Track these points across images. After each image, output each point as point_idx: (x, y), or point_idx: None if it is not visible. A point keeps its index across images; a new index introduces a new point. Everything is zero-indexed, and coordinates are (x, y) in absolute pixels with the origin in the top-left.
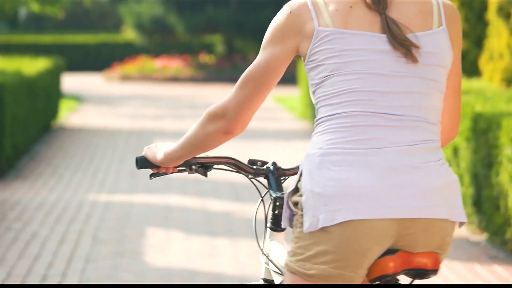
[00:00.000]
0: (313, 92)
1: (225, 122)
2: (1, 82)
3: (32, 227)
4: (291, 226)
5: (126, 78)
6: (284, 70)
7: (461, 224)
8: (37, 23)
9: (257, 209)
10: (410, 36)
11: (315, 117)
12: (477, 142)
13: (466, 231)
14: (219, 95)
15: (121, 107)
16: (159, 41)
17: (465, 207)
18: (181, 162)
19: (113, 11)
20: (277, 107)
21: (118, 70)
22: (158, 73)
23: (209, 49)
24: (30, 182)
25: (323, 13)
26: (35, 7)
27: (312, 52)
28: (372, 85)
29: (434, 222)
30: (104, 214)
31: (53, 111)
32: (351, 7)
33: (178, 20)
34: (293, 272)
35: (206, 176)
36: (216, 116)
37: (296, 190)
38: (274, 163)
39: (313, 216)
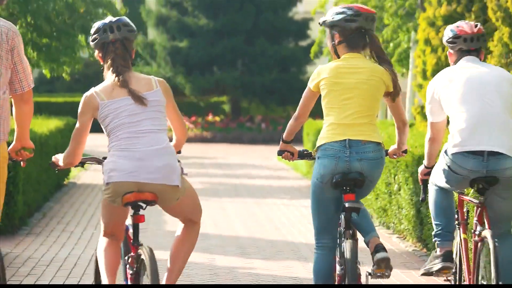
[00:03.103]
0: (106, 130)
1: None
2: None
3: (44, 282)
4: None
5: None
6: (89, 127)
7: (175, 187)
8: (49, 84)
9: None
10: (141, 94)
11: (109, 136)
12: None
13: None
14: (226, 154)
15: None
16: None
17: None
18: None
19: None
20: (283, 166)
21: None
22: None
23: (216, 109)
24: (42, 239)
25: (101, 95)
26: (47, 72)
27: (101, 115)
28: (130, 119)
29: (157, 185)
30: None
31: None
32: (113, 89)
33: (186, 81)
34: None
35: (83, 167)
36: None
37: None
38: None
39: (105, 176)
